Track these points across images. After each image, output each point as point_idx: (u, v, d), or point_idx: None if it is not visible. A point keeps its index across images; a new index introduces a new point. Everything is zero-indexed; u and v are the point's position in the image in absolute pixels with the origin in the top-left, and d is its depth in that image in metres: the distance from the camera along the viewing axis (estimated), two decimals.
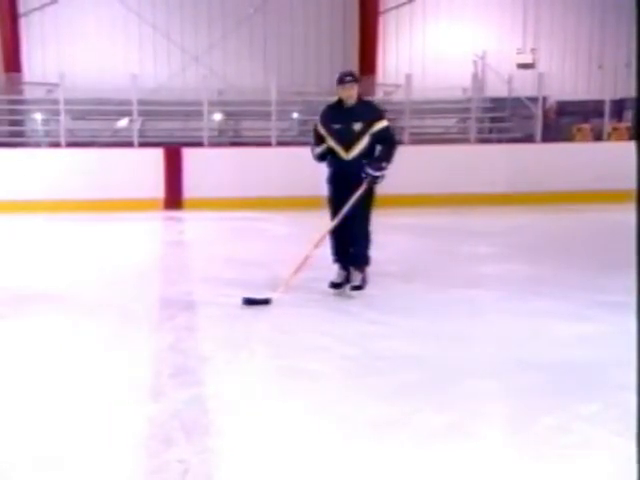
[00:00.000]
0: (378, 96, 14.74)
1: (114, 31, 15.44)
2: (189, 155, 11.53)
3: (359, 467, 2.66)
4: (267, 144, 12.24)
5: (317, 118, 5.75)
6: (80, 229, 9.62)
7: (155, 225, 9.95)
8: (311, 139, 5.80)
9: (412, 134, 12.44)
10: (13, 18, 15.03)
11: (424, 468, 2.67)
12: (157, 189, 11.23)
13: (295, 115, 14.20)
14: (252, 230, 9.75)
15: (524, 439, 2.90)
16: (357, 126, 5.38)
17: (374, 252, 5.61)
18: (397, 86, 14.29)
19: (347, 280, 5.59)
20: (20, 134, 14.15)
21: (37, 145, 13.73)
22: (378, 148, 5.48)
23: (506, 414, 3.19)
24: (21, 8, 15.21)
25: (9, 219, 10.29)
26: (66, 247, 8.27)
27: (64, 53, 15.03)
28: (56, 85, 12.67)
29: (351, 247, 5.53)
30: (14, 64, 14.98)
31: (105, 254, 7.68)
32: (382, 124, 5.43)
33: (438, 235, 8.72)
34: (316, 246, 5.51)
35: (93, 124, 14.09)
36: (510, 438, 2.94)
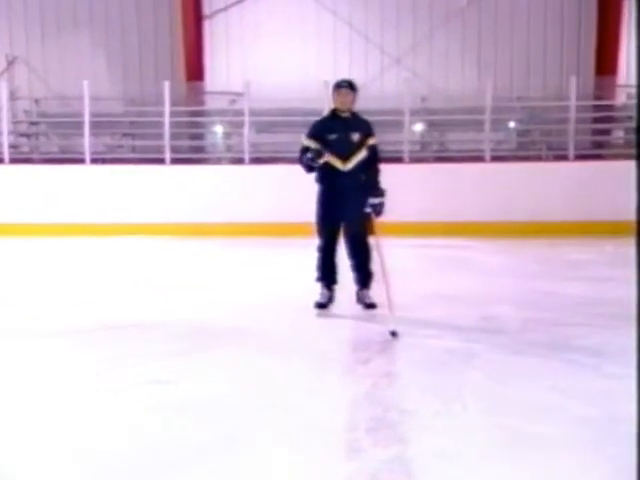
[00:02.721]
0: (620, 100, 14.16)
1: (305, 31, 16.03)
2: (385, 172, 11.64)
3: None
4: (479, 159, 12.14)
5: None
6: (262, 256, 10.02)
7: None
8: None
9: None
10: (197, 21, 16.06)
11: None
12: None
13: (512, 124, 13.96)
14: (459, 260, 9.70)
15: None
16: (355, 136, 5.91)
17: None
18: None
19: (330, 299, 6.32)
20: (200, 149, 15.02)
21: (218, 161, 14.53)
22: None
23: None
24: (205, 10, 16.25)
25: (183, 244, 10.93)
26: (246, 276, 8.64)
27: (249, 58, 15.84)
28: (240, 94, 13.39)
29: (358, 269, 6.25)
30: (197, 72, 15.99)
31: (287, 286, 7.95)
32: (374, 141, 6.02)
33: None
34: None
35: (278, 137, 14.67)
36: None
